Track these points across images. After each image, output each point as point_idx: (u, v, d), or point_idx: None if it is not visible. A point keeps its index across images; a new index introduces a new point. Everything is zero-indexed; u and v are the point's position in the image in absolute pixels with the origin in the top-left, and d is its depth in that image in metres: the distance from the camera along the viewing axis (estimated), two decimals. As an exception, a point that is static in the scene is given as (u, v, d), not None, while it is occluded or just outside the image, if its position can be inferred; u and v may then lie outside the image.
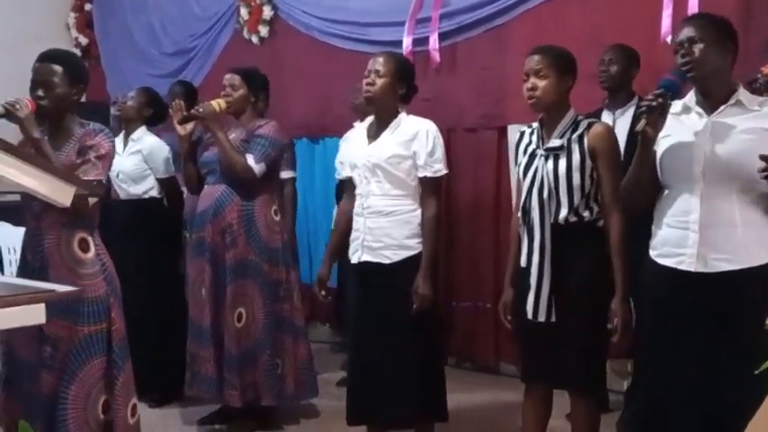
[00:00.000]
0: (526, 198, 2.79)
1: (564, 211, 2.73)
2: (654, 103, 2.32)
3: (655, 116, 2.33)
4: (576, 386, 2.80)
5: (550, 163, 2.74)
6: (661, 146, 2.43)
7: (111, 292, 2.84)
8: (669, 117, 2.39)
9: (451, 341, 4.81)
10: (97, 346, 2.78)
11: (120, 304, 2.90)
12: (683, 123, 2.42)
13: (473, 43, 4.62)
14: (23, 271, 2.87)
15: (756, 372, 1.46)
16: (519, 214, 2.86)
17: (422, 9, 4.73)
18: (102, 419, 2.79)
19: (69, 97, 2.84)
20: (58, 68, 2.80)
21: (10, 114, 2.71)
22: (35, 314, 1.90)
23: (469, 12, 4.57)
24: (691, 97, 2.46)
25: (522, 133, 2.92)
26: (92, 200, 2.73)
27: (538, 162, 2.77)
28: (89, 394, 2.76)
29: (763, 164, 2.13)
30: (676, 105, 2.44)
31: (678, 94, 2.41)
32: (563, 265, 2.73)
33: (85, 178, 2.69)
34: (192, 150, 3.78)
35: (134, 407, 2.91)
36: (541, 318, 2.73)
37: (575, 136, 2.74)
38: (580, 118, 2.80)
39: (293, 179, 4.63)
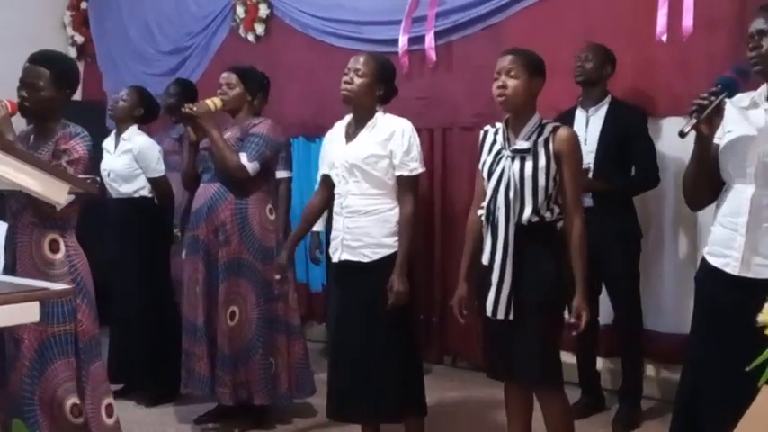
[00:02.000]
0: (491, 198, 2.82)
1: (527, 212, 2.77)
2: (704, 102, 2.21)
3: (709, 114, 2.22)
4: (537, 381, 2.84)
5: (517, 164, 2.78)
6: (723, 141, 2.33)
7: (79, 293, 2.83)
8: (736, 111, 2.31)
9: (447, 340, 4.82)
10: (61, 347, 2.77)
11: (92, 306, 2.89)
12: (749, 119, 2.31)
13: (469, 42, 4.62)
14: (4, 268, 2.90)
15: (747, 369, 1.46)
16: (481, 213, 2.89)
17: (418, 8, 4.73)
18: (72, 422, 2.76)
19: (54, 101, 2.85)
20: (44, 72, 2.82)
21: None
22: (29, 312, 1.90)
23: (465, 10, 4.58)
24: (762, 91, 2.34)
25: (487, 132, 2.95)
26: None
27: (504, 163, 2.81)
28: (54, 395, 2.75)
29: None
30: (744, 99, 2.34)
31: (735, 92, 2.29)
32: (524, 264, 2.77)
33: None
34: (197, 148, 3.76)
35: (109, 407, 2.89)
36: (500, 315, 2.78)
37: (541, 139, 2.78)
38: (545, 122, 2.84)
39: (289, 179, 4.61)
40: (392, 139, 3.11)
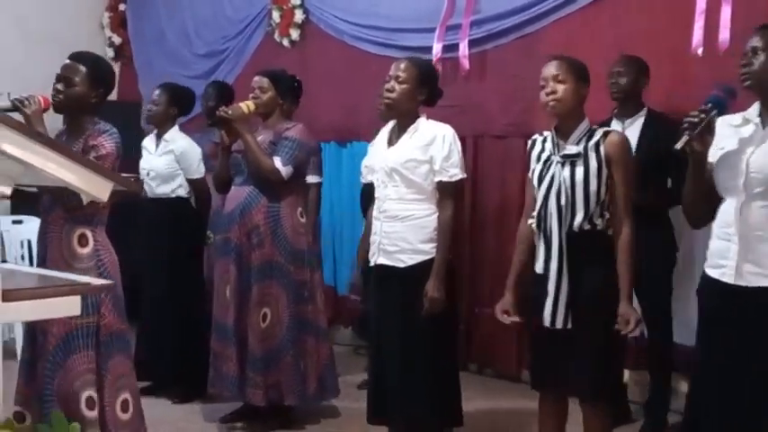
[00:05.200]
0: (542, 205, 2.80)
1: (579, 218, 2.75)
2: (695, 120, 2.31)
3: (700, 132, 2.31)
4: (587, 394, 2.79)
5: (567, 170, 2.76)
6: (715, 158, 2.42)
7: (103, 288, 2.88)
8: (728, 129, 2.40)
9: (473, 348, 4.82)
10: (82, 340, 2.82)
11: (116, 301, 2.92)
12: (739, 135, 2.40)
13: (503, 51, 4.63)
14: (37, 261, 2.99)
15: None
16: (531, 221, 2.86)
17: (452, 16, 4.75)
18: (86, 415, 2.78)
19: (87, 98, 2.92)
20: (81, 68, 2.91)
21: (18, 109, 2.84)
22: (70, 306, 1.94)
23: (500, 19, 4.59)
24: (753, 109, 2.43)
25: (534, 140, 2.94)
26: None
27: (554, 169, 2.79)
28: (71, 387, 2.79)
29: None
30: (737, 117, 2.43)
31: (724, 109, 2.39)
32: (577, 273, 2.74)
33: None
34: (230, 152, 3.78)
35: (124, 402, 2.92)
36: (559, 325, 2.74)
37: (591, 143, 2.76)
38: (594, 127, 2.83)
39: (319, 184, 4.66)
40: (433, 145, 3.11)
